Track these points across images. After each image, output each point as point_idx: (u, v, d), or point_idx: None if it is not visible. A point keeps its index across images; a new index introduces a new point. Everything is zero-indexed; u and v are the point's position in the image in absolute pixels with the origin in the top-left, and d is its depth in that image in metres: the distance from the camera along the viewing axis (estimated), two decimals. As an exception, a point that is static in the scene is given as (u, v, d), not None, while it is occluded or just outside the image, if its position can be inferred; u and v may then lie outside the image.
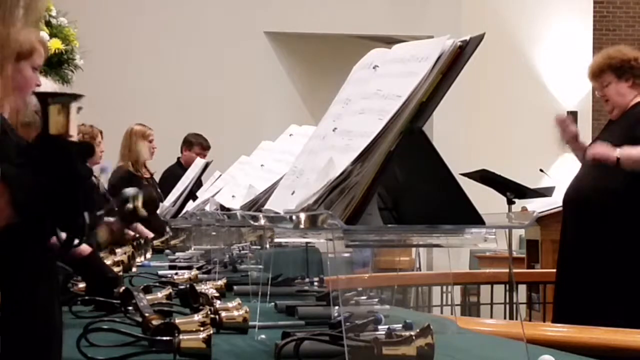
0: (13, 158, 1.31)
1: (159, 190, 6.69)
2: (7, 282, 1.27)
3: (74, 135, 1.29)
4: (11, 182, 1.21)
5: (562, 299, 4.47)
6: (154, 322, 1.88)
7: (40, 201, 1.24)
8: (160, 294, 2.45)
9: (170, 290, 2.48)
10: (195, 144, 7.78)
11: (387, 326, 1.67)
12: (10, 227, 1.24)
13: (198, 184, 4.85)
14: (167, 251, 5.16)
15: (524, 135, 10.78)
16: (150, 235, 5.85)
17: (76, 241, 1.28)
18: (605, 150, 4.20)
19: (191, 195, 4.49)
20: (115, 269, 2.94)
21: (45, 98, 1.29)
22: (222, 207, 2.88)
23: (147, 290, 2.56)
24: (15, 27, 1.24)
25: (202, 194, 3.89)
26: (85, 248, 2.46)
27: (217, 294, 2.42)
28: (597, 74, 4.43)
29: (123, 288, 2.40)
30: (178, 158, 7.84)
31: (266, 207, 1.77)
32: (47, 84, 3.02)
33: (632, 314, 4.06)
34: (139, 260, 3.98)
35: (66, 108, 1.28)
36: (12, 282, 1.28)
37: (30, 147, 1.28)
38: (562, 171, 9.77)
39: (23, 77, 2.30)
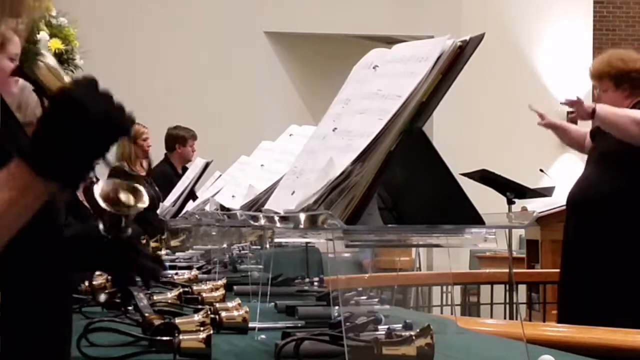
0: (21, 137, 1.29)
1: (156, 189, 6.68)
2: (7, 281, 1.27)
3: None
4: (28, 157, 1.17)
5: (567, 300, 4.46)
6: (154, 322, 1.88)
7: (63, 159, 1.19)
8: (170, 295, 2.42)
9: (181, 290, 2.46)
10: (188, 137, 7.59)
11: (387, 326, 1.67)
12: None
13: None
14: (167, 251, 5.15)
15: (524, 135, 10.77)
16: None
17: None
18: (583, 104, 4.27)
19: (191, 195, 4.48)
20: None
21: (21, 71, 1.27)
22: (222, 207, 2.88)
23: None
24: None
25: (202, 194, 3.88)
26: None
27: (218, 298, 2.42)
28: (596, 79, 4.49)
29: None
30: (166, 154, 7.49)
31: (266, 207, 1.77)
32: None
33: (638, 314, 4.06)
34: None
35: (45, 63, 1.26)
36: (12, 282, 1.28)
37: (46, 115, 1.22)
38: (562, 171, 9.79)
39: (1, 69, 2.28)
